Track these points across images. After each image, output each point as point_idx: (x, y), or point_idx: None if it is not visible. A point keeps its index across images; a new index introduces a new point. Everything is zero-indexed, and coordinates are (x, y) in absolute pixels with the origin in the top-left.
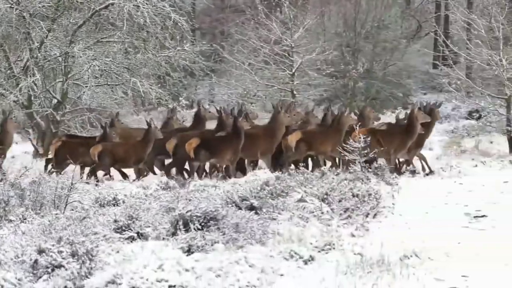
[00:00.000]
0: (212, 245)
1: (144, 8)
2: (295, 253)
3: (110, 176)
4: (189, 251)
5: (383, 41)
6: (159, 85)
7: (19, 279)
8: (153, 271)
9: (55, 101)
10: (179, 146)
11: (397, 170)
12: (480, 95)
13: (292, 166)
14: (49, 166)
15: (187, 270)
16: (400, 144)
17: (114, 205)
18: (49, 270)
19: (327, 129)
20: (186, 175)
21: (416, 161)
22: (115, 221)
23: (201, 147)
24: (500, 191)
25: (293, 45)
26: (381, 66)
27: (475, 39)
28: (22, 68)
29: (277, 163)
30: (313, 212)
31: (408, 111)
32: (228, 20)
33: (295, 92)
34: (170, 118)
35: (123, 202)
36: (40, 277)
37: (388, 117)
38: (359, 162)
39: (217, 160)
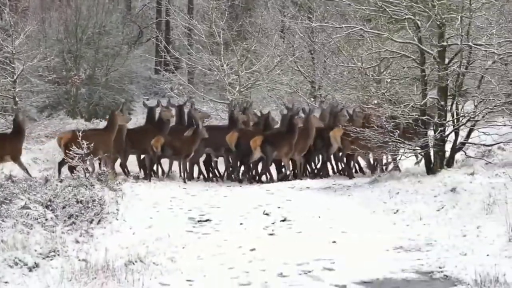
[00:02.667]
0: None
1: None
2: (20, 260)
3: None
4: None
5: (105, 47)
6: None
7: None
8: None
9: None
10: None
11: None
12: (202, 100)
13: None
14: None
15: None
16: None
17: None
18: None
19: None
20: None
21: None
22: None
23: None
24: (223, 195)
25: (14, 52)
26: (103, 72)
27: (196, 45)
28: None
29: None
30: (37, 219)
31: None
32: None
33: (17, 99)
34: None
35: None
36: None
37: None
38: (83, 169)
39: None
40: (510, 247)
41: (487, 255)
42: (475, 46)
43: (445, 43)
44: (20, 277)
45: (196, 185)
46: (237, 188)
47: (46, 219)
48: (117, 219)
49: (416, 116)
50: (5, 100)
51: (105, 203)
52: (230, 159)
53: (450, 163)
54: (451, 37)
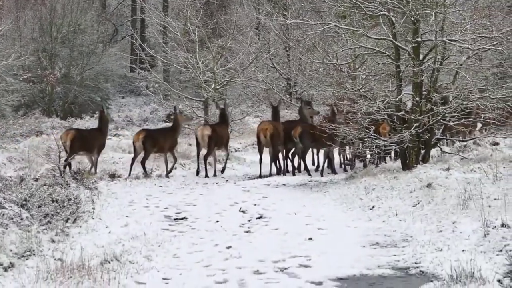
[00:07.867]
0: None
1: None
2: None
3: None
4: None
5: (80, 46)
6: None
7: None
8: None
9: None
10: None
11: None
12: (178, 98)
13: None
14: None
15: None
16: None
17: None
18: None
19: None
20: None
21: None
22: None
23: None
24: (199, 193)
25: None
26: (78, 70)
27: (171, 42)
28: None
29: None
30: (12, 219)
31: None
32: None
33: None
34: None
35: None
36: None
37: (87, 122)
38: (58, 168)
39: None
40: (485, 242)
41: (463, 250)
42: (450, 41)
43: (419, 39)
44: None
45: (172, 183)
46: (213, 186)
47: (22, 219)
48: (93, 218)
49: (391, 112)
50: None
51: (81, 202)
52: None
53: (425, 158)
54: (425, 33)
